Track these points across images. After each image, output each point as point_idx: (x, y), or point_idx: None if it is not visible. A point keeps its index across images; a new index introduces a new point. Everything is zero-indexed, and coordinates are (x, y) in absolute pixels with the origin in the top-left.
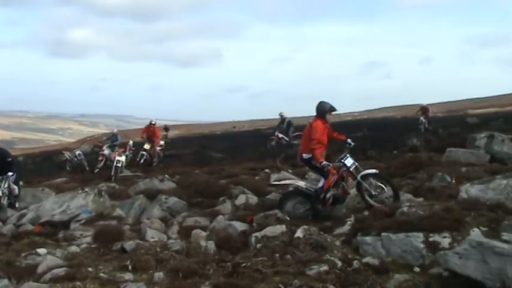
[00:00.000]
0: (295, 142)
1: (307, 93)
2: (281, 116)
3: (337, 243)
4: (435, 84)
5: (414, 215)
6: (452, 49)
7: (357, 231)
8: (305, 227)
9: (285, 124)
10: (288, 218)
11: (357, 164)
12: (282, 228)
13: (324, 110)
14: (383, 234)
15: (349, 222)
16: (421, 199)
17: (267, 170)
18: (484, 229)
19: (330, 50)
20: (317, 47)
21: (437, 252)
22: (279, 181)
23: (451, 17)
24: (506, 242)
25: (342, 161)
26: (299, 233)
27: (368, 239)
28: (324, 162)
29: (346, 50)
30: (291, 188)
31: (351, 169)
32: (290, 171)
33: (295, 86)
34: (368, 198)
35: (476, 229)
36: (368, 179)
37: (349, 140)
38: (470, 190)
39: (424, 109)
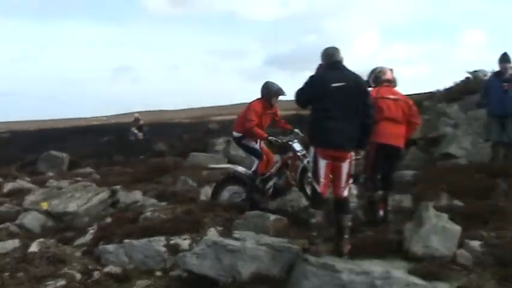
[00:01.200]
0: None
1: (52, 95)
2: None
3: (78, 254)
4: (182, 92)
5: (157, 219)
6: (198, 58)
7: (100, 240)
8: (41, 240)
9: None
10: None
11: (305, 152)
12: (15, 243)
13: (268, 92)
14: (125, 241)
15: (91, 231)
16: (165, 203)
17: None
18: (219, 229)
19: (77, 52)
20: (64, 47)
21: (177, 255)
22: (214, 166)
23: (197, 28)
24: (237, 239)
25: (290, 143)
26: (34, 247)
27: (110, 247)
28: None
29: (96, 53)
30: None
31: (298, 154)
32: (28, 179)
33: (39, 88)
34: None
35: (212, 229)
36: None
37: (296, 130)
38: (209, 192)
39: (136, 120)
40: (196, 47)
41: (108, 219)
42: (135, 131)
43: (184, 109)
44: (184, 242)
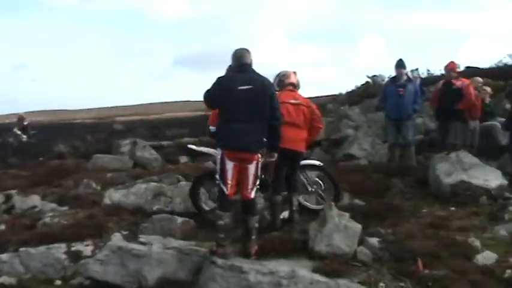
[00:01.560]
0: None
1: None
2: None
3: None
4: (85, 91)
5: (57, 225)
6: (102, 57)
7: None
8: None
9: None
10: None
11: None
12: None
13: None
14: (22, 249)
15: None
16: (66, 208)
17: None
18: (125, 233)
19: None
20: None
21: (79, 262)
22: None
23: (102, 25)
24: (142, 243)
25: None
26: None
27: (4, 256)
28: None
29: None
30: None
31: None
32: None
33: None
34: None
35: (117, 234)
36: (305, 171)
37: None
38: (114, 195)
39: (20, 119)
40: (100, 44)
41: (2, 227)
42: (18, 132)
43: (87, 109)
44: (86, 248)
